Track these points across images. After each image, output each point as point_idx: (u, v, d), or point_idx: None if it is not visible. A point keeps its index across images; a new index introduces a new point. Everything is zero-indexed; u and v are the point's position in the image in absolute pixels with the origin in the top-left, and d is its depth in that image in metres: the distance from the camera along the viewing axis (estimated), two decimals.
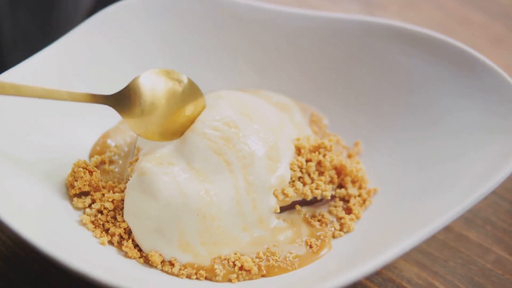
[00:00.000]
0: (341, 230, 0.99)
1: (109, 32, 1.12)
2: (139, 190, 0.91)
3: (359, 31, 1.14)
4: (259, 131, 0.98)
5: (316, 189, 0.99)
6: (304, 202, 0.99)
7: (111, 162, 1.04)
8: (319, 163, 1.01)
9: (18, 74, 0.99)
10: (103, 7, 1.13)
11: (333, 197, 1.01)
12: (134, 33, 1.15)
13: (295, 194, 0.98)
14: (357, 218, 1.00)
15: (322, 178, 1.00)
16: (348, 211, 1.01)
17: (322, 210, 1.00)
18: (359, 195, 1.02)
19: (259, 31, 1.18)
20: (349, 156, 1.09)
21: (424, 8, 1.59)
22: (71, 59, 1.07)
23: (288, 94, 1.17)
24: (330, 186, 1.01)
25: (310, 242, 0.96)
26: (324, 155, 1.01)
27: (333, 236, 0.98)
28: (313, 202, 1.00)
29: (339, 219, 1.00)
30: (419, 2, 1.61)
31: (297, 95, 1.17)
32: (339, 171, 1.02)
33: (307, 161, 1.01)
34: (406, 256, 0.98)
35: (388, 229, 0.93)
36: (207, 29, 1.18)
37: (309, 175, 1.00)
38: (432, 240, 1.01)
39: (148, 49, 1.16)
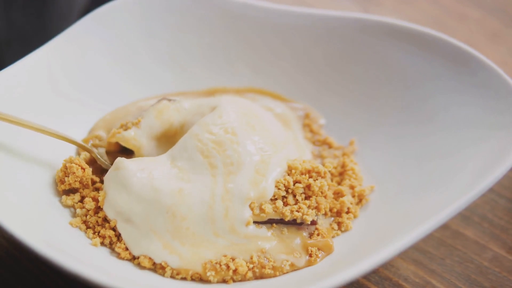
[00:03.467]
0: (338, 229, 0.98)
1: (101, 33, 1.12)
2: (114, 182, 0.93)
3: (354, 28, 1.14)
4: (256, 143, 0.97)
5: (297, 211, 0.95)
6: (281, 222, 0.95)
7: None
8: (308, 187, 0.97)
9: (9, 76, 0.98)
10: (98, 6, 1.13)
11: (313, 222, 0.96)
12: (125, 33, 1.14)
13: (273, 212, 0.94)
14: (355, 216, 0.99)
15: (307, 202, 0.96)
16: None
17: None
18: (356, 194, 1.01)
19: (253, 29, 1.18)
20: (344, 154, 1.09)
21: (420, 4, 1.59)
22: (63, 60, 1.07)
23: (282, 92, 1.16)
24: (314, 211, 0.96)
25: (311, 251, 0.93)
26: (316, 180, 0.97)
27: None
28: (292, 223, 0.95)
29: (336, 216, 0.99)
30: None
31: (292, 92, 1.16)
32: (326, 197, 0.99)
33: (295, 182, 0.97)
34: (403, 254, 0.98)
35: (385, 227, 0.93)
36: (201, 27, 1.18)
37: (294, 196, 0.96)
38: (429, 238, 1.01)
39: (140, 49, 1.15)
